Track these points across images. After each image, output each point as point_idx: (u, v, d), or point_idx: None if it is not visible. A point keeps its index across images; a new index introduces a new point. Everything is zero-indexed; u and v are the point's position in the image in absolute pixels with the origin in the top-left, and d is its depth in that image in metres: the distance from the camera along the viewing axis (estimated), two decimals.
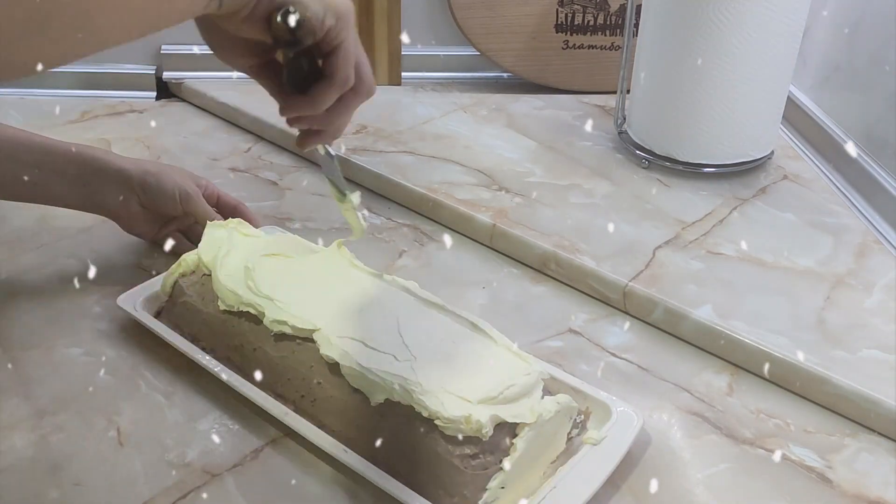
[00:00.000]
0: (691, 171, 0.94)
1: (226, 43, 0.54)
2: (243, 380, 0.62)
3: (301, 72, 0.52)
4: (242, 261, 0.67)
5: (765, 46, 0.86)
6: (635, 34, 0.96)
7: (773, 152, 0.97)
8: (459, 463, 0.52)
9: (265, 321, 0.62)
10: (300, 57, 0.50)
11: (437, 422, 0.53)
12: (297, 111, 0.54)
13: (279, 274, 0.66)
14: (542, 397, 0.57)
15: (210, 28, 0.53)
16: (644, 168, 0.96)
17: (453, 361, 0.58)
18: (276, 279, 0.65)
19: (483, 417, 0.53)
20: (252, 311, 0.63)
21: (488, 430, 0.53)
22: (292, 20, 0.47)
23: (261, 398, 0.60)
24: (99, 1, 0.39)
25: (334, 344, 0.59)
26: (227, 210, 0.80)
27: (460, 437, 0.53)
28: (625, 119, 1.02)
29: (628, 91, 1.00)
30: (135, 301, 0.69)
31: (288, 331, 0.61)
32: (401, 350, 0.58)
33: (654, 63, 0.92)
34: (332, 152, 0.63)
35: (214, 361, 0.63)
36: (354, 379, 0.57)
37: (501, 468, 0.53)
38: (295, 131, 0.60)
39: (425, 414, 0.54)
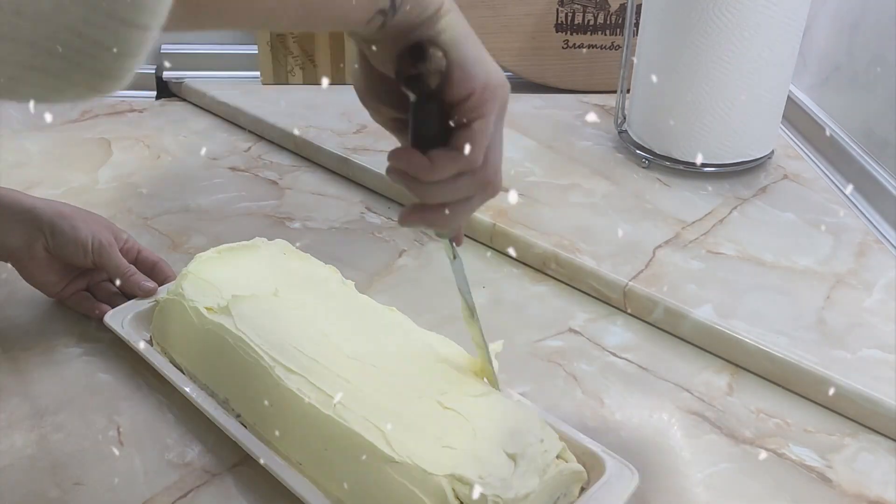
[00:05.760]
0: (691, 170, 0.94)
1: (373, 83, 0.47)
2: (225, 415, 0.58)
3: (427, 125, 0.44)
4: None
5: (765, 46, 0.86)
6: (635, 34, 0.96)
7: (773, 152, 0.97)
8: None
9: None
10: (430, 106, 0.43)
11: None
12: (408, 165, 0.46)
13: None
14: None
15: (365, 67, 0.47)
16: (644, 167, 0.96)
17: (432, 434, 0.52)
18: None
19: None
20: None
21: None
22: (421, 49, 0.40)
23: (241, 435, 0.57)
24: None
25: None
26: (145, 267, 0.72)
27: None
28: (625, 118, 1.02)
29: (628, 91, 1.00)
30: (123, 318, 0.67)
31: None
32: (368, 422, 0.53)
33: (654, 63, 0.92)
34: (455, 254, 0.54)
35: (198, 391, 0.60)
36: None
37: None
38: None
39: None
